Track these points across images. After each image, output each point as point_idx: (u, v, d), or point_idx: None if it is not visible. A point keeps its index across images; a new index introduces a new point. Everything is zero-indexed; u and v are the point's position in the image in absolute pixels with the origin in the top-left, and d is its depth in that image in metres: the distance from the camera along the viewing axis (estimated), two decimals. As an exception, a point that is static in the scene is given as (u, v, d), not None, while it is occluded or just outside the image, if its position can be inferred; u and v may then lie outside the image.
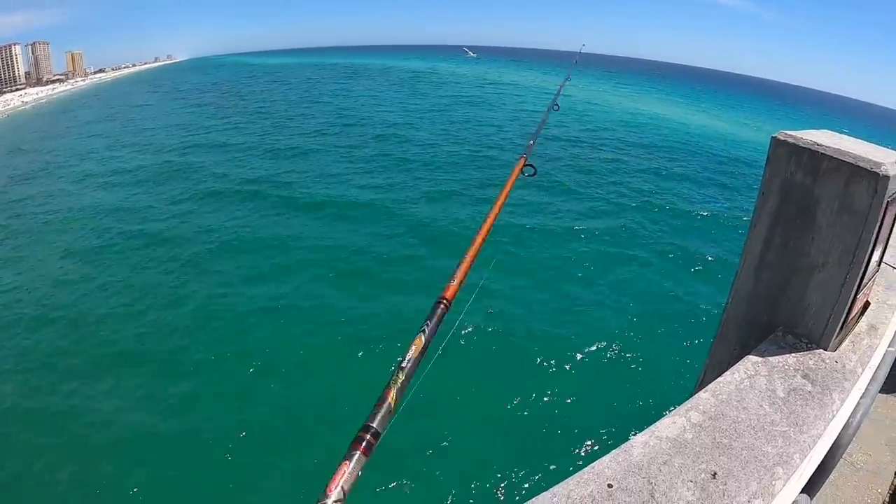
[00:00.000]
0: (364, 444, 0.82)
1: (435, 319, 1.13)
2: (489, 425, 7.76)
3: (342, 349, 9.54)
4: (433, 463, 7.05)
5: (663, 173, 22.29)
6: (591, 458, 6.80)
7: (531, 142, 2.35)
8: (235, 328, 10.50)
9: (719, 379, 1.53)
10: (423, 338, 1.06)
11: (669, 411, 1.41)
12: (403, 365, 0.98)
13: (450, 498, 6.66)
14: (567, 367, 9.10)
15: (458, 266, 1.32)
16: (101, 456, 7.41)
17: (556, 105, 3.38)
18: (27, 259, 15.32)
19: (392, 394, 0.92)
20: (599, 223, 15.75)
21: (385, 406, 0.90)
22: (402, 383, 0.95)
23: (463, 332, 9.55)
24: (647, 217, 16.60)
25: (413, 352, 1.02)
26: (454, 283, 1.26)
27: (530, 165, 2.12)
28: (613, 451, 1.24)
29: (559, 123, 29.55)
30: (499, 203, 1.74)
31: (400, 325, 10.03)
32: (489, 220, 1.59)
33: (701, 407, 1.40)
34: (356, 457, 0.80)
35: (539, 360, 9.20)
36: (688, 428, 1.33)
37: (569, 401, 8.27)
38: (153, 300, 11.95)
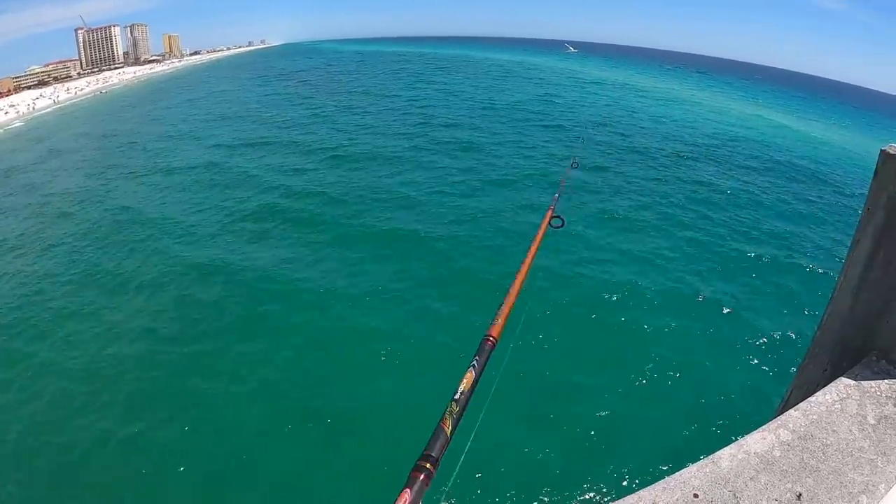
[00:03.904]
0: (424, 472, 0.87)
1: (484, 356, 1.22)
2: (566, 435, 7.73)
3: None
4: (515, 476, 6.97)
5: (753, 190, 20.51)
6: (663, 458, 6.71)
7: (556, 195, 2.48)
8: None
9: (811, 399, 1.50)
10: (473, 372, 1.15)
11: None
12: (457, 397, 1.06)
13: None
14: (647, 376, 8.98)
15: (500, 306, 1.42)
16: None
17: (576, 163, 4.02)
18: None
19: (448, 424, 0.99)
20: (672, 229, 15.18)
21: (442, 435, 0.97)
22: (457, 414, 1.03)
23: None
24: (722, 223, 15.79)
25: (465, 384, 1.10)
26: (499, 322, 1.36)
27: (558, 217, 2.23)
28: (701, 461, 1.25)
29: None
30: (532, 251, 1.88)
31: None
32: (524, 269, 1.70)
33: (791, 425, 1.39)
34: (417, 485, 0.84)
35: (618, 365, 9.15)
36: (777, 445, 1.32)
37: (646, 408, 8.19)
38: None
